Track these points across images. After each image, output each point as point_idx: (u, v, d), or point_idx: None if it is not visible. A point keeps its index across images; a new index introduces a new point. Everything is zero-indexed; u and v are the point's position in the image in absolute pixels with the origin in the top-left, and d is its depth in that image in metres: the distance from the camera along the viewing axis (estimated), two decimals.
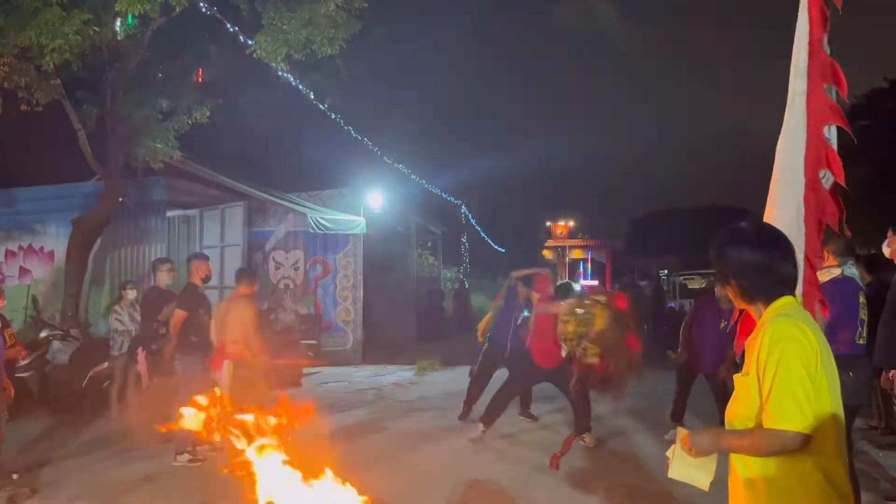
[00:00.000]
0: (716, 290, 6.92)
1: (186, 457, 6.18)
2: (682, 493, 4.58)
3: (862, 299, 4.69)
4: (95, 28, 8.15)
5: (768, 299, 2.15)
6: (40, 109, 9.18)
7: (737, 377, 2.16)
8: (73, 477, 5.91)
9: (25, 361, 8.11)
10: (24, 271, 11.91)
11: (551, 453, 6.24)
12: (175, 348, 6.35)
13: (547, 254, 43.77)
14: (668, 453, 2.26)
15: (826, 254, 4.65)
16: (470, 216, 25.28)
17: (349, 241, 13.65)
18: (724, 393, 5.89)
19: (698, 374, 7.17)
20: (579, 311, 6.30)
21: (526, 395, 8.02)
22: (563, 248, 48.09)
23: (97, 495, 5.46)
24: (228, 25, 9.62)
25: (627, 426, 7.73)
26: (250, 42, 9.49)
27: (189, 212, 14.16)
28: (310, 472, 2.98)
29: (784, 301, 2.14)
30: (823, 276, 4.61)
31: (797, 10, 3.27)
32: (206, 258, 7.00)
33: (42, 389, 8.17)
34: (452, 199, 23.17)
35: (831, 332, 4.14)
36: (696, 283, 21.98)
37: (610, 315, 6.23)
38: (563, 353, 6.49)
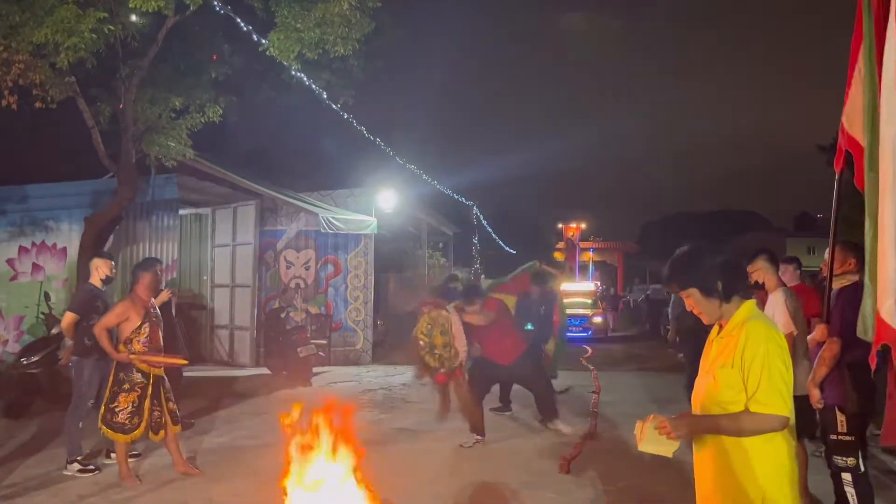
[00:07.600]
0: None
1: (77, 466, 5.94)
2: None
3: None
4: (111, 27, 8.18)
5: (745, 296, 2.54)
6: (55, 107, 9.20)
7: (718, 369, 2.47)
8: (82, 475, 5.91)
9: (36, 358, 8.14)
10: (36, 268, 11.97)
11: (560, 457, 6.22)
12: (71, 350, 6.15)
13: (558, 256, 43.68)
14: (636, 431, 2.54)
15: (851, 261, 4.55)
16: (482, 217, 25.26)
17: (360, 241, 13.66)
18: None
19: None
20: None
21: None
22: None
23: (105, 493, 5.46)
24: (242, 24, 9.63)
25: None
26: (264, 40, 9.50)
27: (201, 210, 14.23)
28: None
29: (752, 303, 2.53)
30: (840, 282, 4.52)
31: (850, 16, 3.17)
32: (109, 257, 6.61)
33: (52, 386, 8.17)
34: (464, 200, 23.16)
35: (852, 337, 4.04)
36: None
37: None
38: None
